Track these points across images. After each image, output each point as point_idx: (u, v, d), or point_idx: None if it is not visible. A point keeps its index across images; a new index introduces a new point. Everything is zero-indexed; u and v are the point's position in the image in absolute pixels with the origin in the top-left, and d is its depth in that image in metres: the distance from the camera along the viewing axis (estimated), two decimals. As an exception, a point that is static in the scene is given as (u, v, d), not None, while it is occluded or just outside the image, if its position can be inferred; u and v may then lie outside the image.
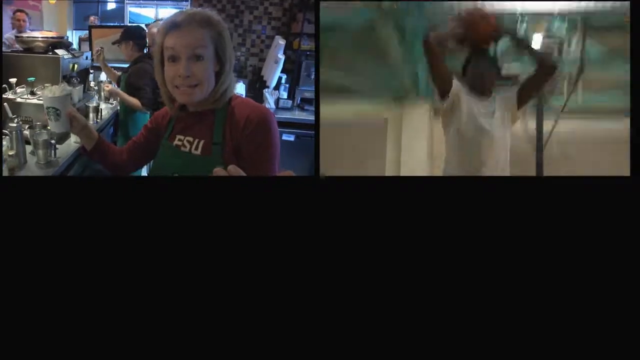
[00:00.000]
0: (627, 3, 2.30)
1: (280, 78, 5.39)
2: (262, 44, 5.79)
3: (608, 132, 5.26)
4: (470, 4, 2.50)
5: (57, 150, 2.88)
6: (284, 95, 5.41)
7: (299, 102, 5.39)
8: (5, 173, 2.62)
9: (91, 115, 3.74)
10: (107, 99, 4.44)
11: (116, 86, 4.12)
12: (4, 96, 3.26)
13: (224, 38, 1.86)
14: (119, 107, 4.11)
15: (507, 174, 2.48)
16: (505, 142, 2.49)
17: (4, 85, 3.32)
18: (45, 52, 3.62)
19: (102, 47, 4.36)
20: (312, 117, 5.07)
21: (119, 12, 6.17)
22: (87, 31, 5.33)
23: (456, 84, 2.43)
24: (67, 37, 4.93)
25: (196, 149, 1.86)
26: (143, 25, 4.43)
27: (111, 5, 6.28)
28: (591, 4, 4.89)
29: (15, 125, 2.76)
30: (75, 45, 5.14)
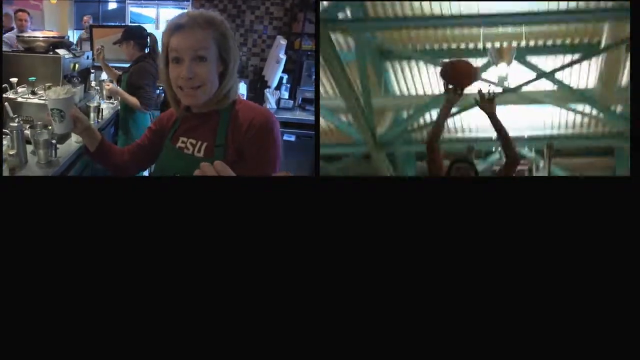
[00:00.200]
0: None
1: (281, 78, 5.39)
2: (264, 43, 5.79)
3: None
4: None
5: (57, 150, 2.89)
6: (285, 95, 5.41)
7: (300, 102, 5.38)
8: (6, 173, 2.62)
9: (92, 114, 3.75)
10: (108, 98, 4.44)
11: (117, 85, 4.13)
12: (5, 96, 3.27)
13: (228, 39, 1.86)
14: (119, 107, 4.12)
15: None
16: None
17: (5, 85, 3.32)
18: (46, 51, 3.62)
19: (102, 46, 4.36)
20: (313, 117, 5.07)
21: (120, 12, 6.18)
22: (83, 31, 5.34)
23: None
24: (68, 36, 4.92)
25: (199, 151, 1.86)
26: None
27: (112, 5, 6.29)
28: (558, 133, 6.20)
29: (16, 124, 2.76)
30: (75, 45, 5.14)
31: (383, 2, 4.78)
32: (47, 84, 3.36)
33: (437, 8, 4.85)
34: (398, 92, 5.91)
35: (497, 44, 5.12)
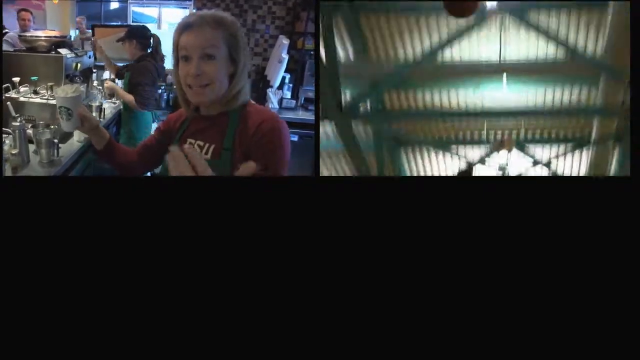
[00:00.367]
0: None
1: (283, 78, 5.37)
2: (266, 43, 5.78)
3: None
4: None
5: (59, 149, 2.90)
6: (288, 95, 5.40)
7: (302, 102, 5.37)
8: (8, 172, 2.63)
9: (94, 114, 3.75)
10: (110, 97, 4.45)
11: (116, 80, 4.15)
12: (7, 95, 3.28)
13: (238, 40, 1.85)
14: (122, 106, 4.13)
15: None
16: None
17: (7, 85, 3.33)
18: (48, 51, 3.62)
19: (97, 39, 4.48)
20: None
21: (122, 12, 6.18)
22: (78, 32, 5.36)
23: None
24: (70, 36, 4.94)
25: (206, 153, 1.86)
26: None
27: (114, 5, 6.29)
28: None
29: (18, 124, 2.77)
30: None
31: (399, 96, 5.48)
32: (50, 84, 3.38)
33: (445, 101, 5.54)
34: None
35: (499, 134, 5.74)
